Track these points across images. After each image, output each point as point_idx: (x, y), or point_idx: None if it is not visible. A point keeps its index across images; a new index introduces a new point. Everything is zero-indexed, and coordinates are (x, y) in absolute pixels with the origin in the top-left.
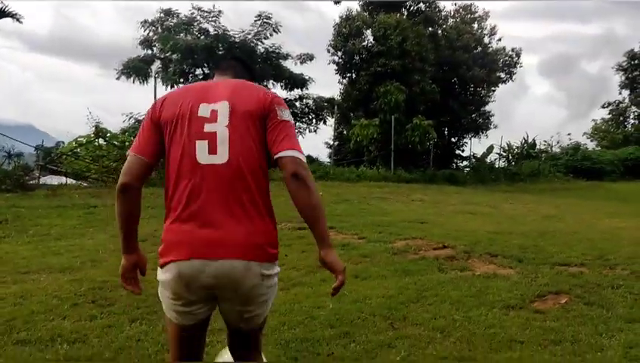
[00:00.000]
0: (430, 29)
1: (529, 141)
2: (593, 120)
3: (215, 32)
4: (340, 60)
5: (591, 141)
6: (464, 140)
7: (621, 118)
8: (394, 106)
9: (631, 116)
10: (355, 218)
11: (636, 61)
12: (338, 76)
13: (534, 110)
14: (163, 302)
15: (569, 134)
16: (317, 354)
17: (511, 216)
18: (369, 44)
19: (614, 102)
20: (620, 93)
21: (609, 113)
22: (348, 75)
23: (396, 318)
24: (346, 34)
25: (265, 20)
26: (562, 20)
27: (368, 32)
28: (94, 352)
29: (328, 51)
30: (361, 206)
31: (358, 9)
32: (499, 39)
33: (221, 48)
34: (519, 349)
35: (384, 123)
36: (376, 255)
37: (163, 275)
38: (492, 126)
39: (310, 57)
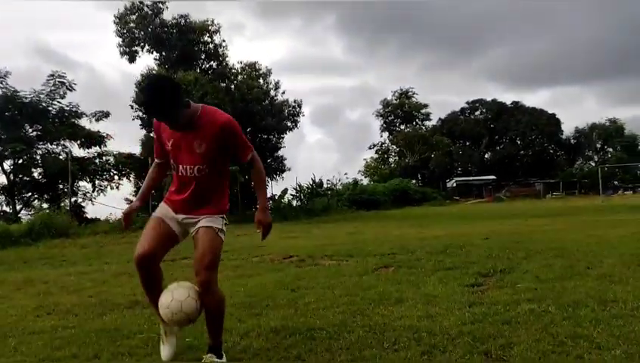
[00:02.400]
0: (223, 84)
1: (317, 181)
2: (364, 159)
3: (4, 93)
4: (145, 115)
5: (365, 177)
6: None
7: (385, 156)
8: None
9: (392, 154)
10: None
11: (390, 108)
12: (144, 131)
13: (313, 155)
14: None
15: (346, 173)
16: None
17: (324, 236)
18: None
19: (378, 143)
20: (381, 135)
21: (376, 153)
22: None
23: (294, 287)
24: None
25: (58, 80)
26: (325, 74)
27: None
28: None
29: (132, 107)
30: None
31: (155, 67)
32: (283, 92)
33: (11, 109)
34: (380, 286)
35: None
36: (242, 265)
37: None
38: (286, 169)
39: (106, 115)
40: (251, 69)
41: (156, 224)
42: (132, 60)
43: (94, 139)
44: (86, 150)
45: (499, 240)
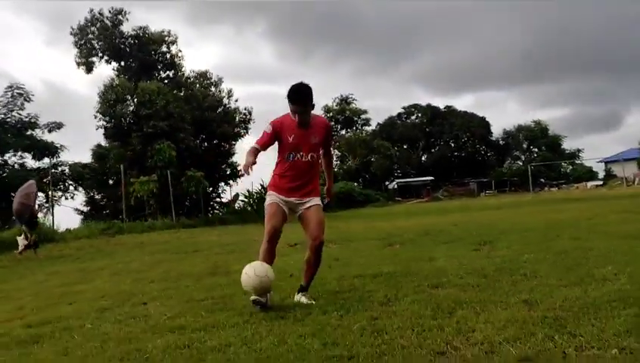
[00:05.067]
0: (181, 93)
1: (265, 186)
2: None
3: None
4: (109, 124)
5: None
6: (221, 188)
7: None
8: (168, 162)
9: (335, 158)
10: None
11: (331, 114)
12: (109, 140)
13: (260, 160)
14: None
15: None
16: None
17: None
18: (135, 109)
19: None
20: None
21: None
22: (119, 138)
23: (334, 258)
24: (111, 100)
25: (16, 91)
26: (257, 81)
27: (134, 97)
28: None
29: (95, 117)
30: (179, 241)
31: (115, 78)
32: (236, 100)
33: None
34: (405, 253)
35: (161, 178)
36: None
37: None
38: (240, 175)
39: (59, 126)
40: (203, 78)
41: (276, 207)
42: (89, 70)
43: (49, 150)
44: (39, 161)
45: (467, 225)
